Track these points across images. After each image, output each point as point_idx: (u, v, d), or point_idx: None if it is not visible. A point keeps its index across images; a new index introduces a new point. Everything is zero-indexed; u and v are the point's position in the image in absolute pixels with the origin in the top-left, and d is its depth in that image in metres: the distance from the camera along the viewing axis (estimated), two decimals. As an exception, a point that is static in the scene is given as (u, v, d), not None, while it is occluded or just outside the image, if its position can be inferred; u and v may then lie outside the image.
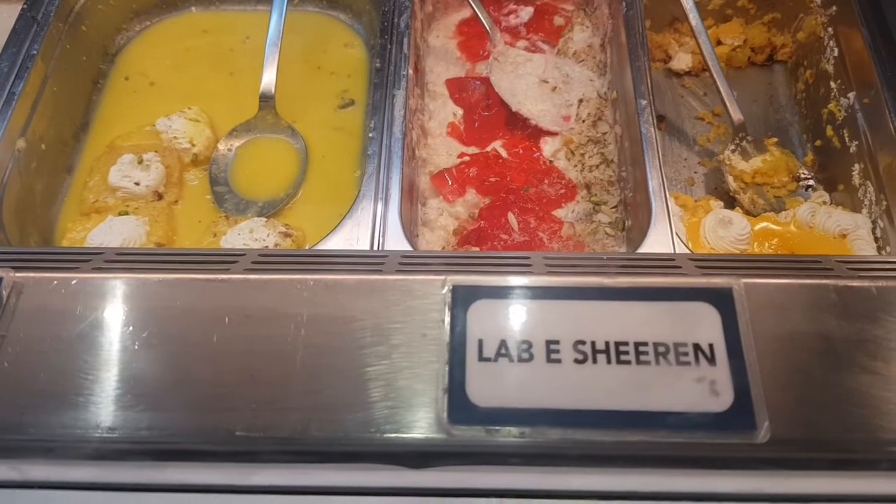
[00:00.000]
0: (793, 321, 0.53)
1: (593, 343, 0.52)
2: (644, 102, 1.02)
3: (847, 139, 1.11)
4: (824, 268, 0.64)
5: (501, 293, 0.54)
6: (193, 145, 1.14)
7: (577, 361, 0.51)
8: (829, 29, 1.18)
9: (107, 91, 1.24)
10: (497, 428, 0.49)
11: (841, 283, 0.55)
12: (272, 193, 1.11)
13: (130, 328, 0.51)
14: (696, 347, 0.51)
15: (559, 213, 1.09)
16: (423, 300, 0.54)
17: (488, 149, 1.15)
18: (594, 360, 0.51)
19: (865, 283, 0.56)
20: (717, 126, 1.24)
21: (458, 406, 0.49)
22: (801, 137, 1.22)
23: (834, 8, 1.18)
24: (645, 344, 0.52)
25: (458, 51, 1.26)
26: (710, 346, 0.51)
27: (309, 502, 0.48)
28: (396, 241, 0.92)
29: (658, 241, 0.92)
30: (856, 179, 1.08)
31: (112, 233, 1.03)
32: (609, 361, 0.51)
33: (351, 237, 0.93)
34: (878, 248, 1.01)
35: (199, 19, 1.32)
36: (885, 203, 1.02)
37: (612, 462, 0.49)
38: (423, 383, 0.50)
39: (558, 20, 1.27)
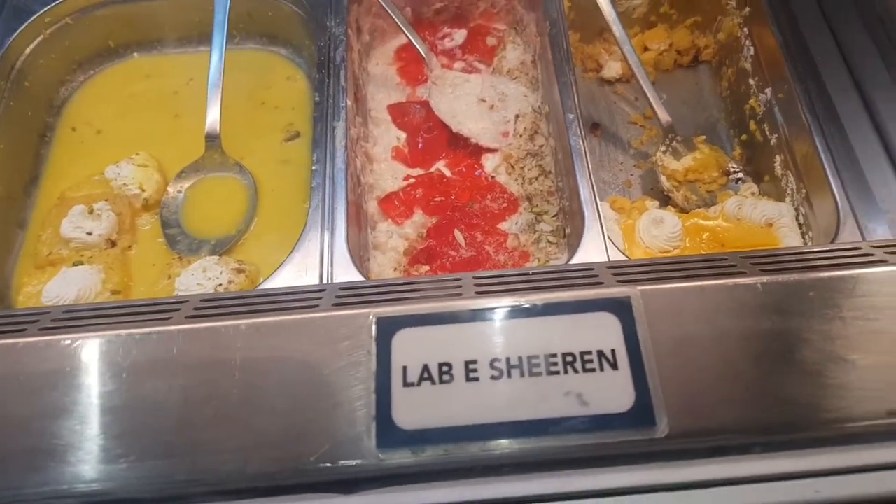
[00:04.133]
0: (688, 322, 0.57)
1: (508, 359, 0.56)
2: (571, 116, 1.07)
3: (768, 132, 1.16)
4: (729, 265, 0.69)
5: (423, 321, 0.58)
6: (143, 190, 1.17)
7: (493, 378, 0.55)
8: (745, 29, 1.24)
9: (54, 143, 1.26)
10: (422, 448, 0.53)
11: (735, 281, 0.60)
12: (224, 231, 1.14)
13: (75, 388, 0.55)
14: (601, 354, 0.56)
15: (503, 225, 1.13)
16: (351, 334, 0.57)
17: (432, 169, 1.19)
18: (509, 376, 0.55)
19: (762, 280, 0.61)
20: (650, 129, 1.29)
21: (385, 431, 0.53)
22: (729, 133, 1.28)
23: (747, 9, 1.23)
24: (554, 355, 0.56)
25: (398, 76, 1.31)
26: (613, 352, 0.56)
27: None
28: (345, 269, 0.96)
29: (592, 247, 0.97)
30: (778, 170, 1.13)
31: (67, 284, 1.06)
32: (522, 375, 0.55)
33: (300, 269, 0.97)
34: (802, 234, 1.07)
35: (141, 64, 1.35)
36: (804, 191, 1.07)
37: (527, 468, 0.54)
38: (352, 413, 0.54)
39: (491, 40, 1.31)
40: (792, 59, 1.13)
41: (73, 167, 1.24)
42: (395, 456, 0.53)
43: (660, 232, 1.07)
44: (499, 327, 0.58)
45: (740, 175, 1.22)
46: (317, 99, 1.11)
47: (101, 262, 1.11)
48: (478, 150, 1.19)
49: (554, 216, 1.13)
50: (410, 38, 1.21)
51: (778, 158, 1.14)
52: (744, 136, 1.24)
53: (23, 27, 1.23)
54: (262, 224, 1.15)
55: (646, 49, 1.36)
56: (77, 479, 0.52)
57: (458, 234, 1.10)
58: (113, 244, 1.14)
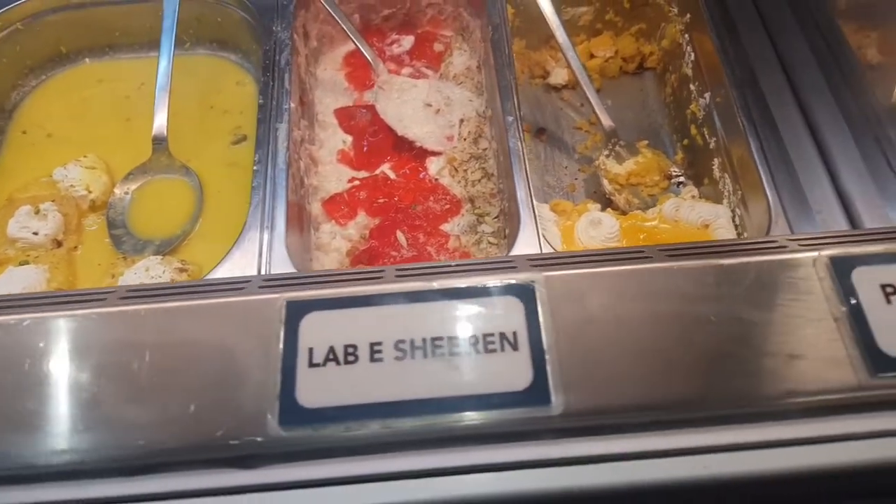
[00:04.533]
0: (590, 306, 0.59)
1: (412, 341, 0.57)
2: (511, 118, 1.09)
3: (707, 136, 1.19)
4: (642, 255, 0.70)
5: (332, 304, 0.59)
6: (90, 192, 1.18)
7: (397, 359, 0.57)
8: (686, 35, 1.27)
9: (4, 146, 1.27)
10: (323, 426, 0.54)
11: (640, 266, 0.62)
12: (169, 232, 1.15)
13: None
14: (503, 336, 0.57)
15: (446, 227, 1.15)
16: (263, 318, 0.59)
17: (377, 172, 1.21)
18: (412, 356, 0.57)
19: (665, 265, 0.63)
20: (594, 134, 1.31)
21: (288, 410, 0.54)
22: (672, 138, 1.30)
23: (688, 15, 1.26)
24: (457, 337, 0.57)
25: (346, 81, 1.32)
26: (514, 334, 0.57)
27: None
28: (283, 268, 0.97)
29: (526, 246, 0.98)
30: (716, 173, 1.16)
31: (12, 283, 1.06)
32: (426, 356, 0.57)
33: (238, 267, 0.98)
34: (738, 234, 1.09)
35: (93, 69, 1.36)
36: (740, 193, 1.09)
37: (426, 444, 0.55)
38: (258, 393, 0.55)
39: (438, 46, 1.34)
40: (730, 65, 1.16)
41: (23, 169, 1.24)
42: (297, 433, 0.54)
43: (597, 233, 1.09)
44: (406, 311, 0.59)
45: (682, 179, 1.25)
46: (261, 101, 1.13)
47: (46, 261, 1.12)
48: (422, 154, 1.21)
49: (495, 218, 1.14)
50: (357, 43, 1.23)
51: (716, 162, 1.16)
52: (685, 141, 1.27)
53: (-27, 31, 1.23)
54: (206, 225, 1.16)
55: (592, 56, 1.38)
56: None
57: (400, 236, 1.11)
58: (59, 244, 1.15)
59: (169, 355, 0.58)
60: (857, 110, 1.10)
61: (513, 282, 0.59)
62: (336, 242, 1.13)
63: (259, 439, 0.53)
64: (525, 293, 0.59)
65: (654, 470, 0.54)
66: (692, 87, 1.24)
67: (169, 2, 1.21)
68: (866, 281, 0.59)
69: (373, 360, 0.57)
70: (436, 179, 1.19)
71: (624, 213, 1.18)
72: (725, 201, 1.13)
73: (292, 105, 1.12)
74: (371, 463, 0.54)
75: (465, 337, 0.57)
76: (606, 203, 1.22)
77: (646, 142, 1.26)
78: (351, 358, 0.57)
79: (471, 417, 0.55)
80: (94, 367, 0.58)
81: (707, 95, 1.19)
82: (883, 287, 0.59)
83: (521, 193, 1.03)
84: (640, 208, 1.19)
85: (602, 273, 0.62)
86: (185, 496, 0.52)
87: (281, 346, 0.57)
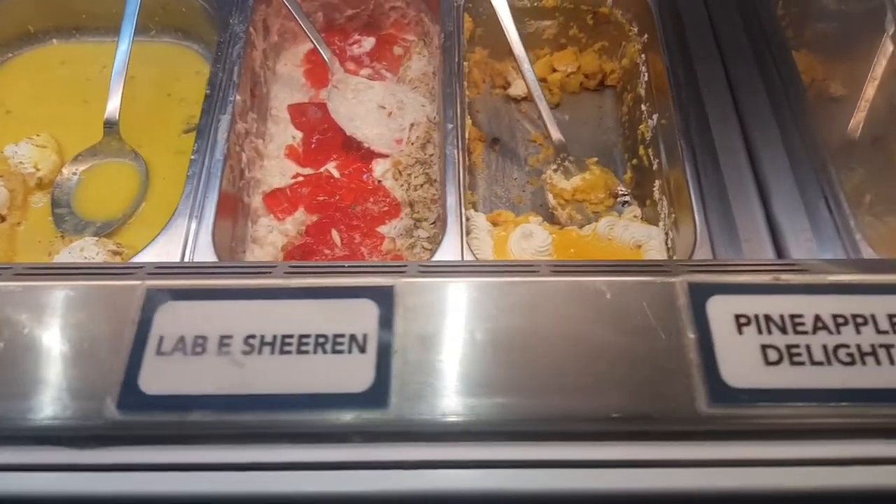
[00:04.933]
0: (446, 316, 0.59)
1: (262, 337, 0.58)
2: (451, 126, 1.10)
3: (651, 157, 1.19)
4: (532, 270, 0.71)
5: (192, 295, 0.60)
6: (38, 170, 1.20)
7: (243, 353, 0.57)
8: (643, 55, 1.27)
9: (-36, 120, 1.29)
10: (161, 413, 0.55)
11: (512, 279, 0.62)
12: (111, 214, 1.16)
13: None
14: (353, 338, 0.58)
15: (382, 229, 1.15)
16: (123, 304, 0.60)
17: (322, 170, 1.21)
18: (259, 352, 0.57)
19: (533, 279, 0.63)
20: (547, 148, 1.31)
21: (127, 395, 0.55)
22: (623, 157, 1.30)
23: (646, 35, 1.26)
24: (308, 336, 0.58)
25: (304, 78, 1.33)
26: (365, 336, 0.58)
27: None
28: (206, 258, 0.98)
29: (449, 254, 0.98)
30: (656, 194, 1.16)
31: (-51, 253, 1.08)
32: (273, 352, 0.57)
33: (161, 253, 0.99)
34: (669, 257, 1.09)
35: (59, 51, 1.38)
36: (673, 216, 1.09)
37: (261, 438, 0.55)
38: (104, 376, 0.56)
39: (398, 50, 1.34)
40: (677, 87, 1.16)
41: (-20, 144, 1.26)
42: (134, 418, 0.55)
43: (529, 245, 1.09)
44: (262, 307, 0.60)
45: (627, 198, 1.25)
46: (208, 92, 1.14)
47: (-13, 235, 1.13)
48: (369, 155, 1.22)
49: (432, 223, 1.15)
50: (314, 41, 1.24)
51: (657, 183, 1.16)
52: (634, 161, 1.27)
53: (-61, 5, 1.25)
54: (148, 210, 1.17)
55: (554, 70, 1.39)
56: None
57: (335, 234, 1.12)
58: (3, 219, 1.16)
59: (29, 333, 0.59)
60: (800, 143, 1.09)
61: (370, 285, 0.60)
62: (272, 237, 1.14)
63: (96, 421, 0.54)
64: (382, 297, 0.59)
65: (476, 479, 0.54)
66: (643, 107, 1.24)
67: (133, -12, 1.22)
68: (721, 310, 0.59)
69: (220, 353, 0.57)
70: (379, 181, 1.20)
71: (563, 228, 1.18)
72: (661, 223, 1.13)
73: (238, 98, 1.13)
74: (204, 453, 0.54)
75: (315, 336, 0.58)
76: (550, 217, 1.22)
77: (595, 159, 1.26)
78: (199, 349, 0.57)
79: (306, 416, 0.55)
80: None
81: (655, 117, 1.19)
82: (737, 317, 0.59)
83: (451, 200, 1.03)
84: (582, 224, 1.19)
85: (470, 283, 0.62)
86: (22, 469, 0.53)
87: (134, 332, 0.57)
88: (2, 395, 0.56)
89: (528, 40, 1.36)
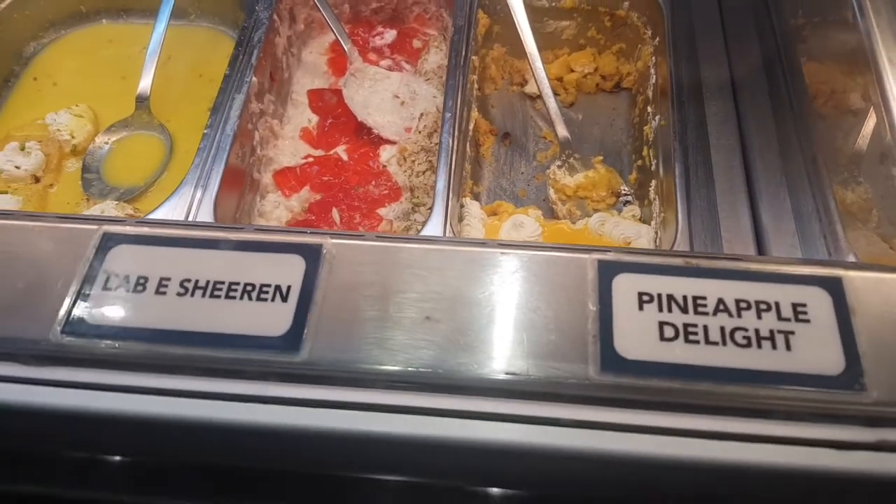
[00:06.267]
0: (365, 274, 0.64)
1: (196, 281, 0.64)
2: (449, 115, 1.14)
3: (652, 158, 1.20)
4: (476, 244, 0.74)
5: (141, 241, 0.66)
6: (73, 137, 1.29)
7: (178, 294, 0.63)
8: (654, 58, 1.28)
9: (15, 89, 1.40)
10: (99, 340, 0.61)
11: (435, 247, 0.66)
12: (134, 182, 1.25)
13: None
14: (277, 288, 0.63)
15: (382, 211, 1.20)
16: (82, 243, 0.66)
17: (332, 152, 1.27)
18: (192, 294, 0.63)
19: (460, 248, 0.66)
20: (557, 144, 1.34)
21: (73, 322, 0.62)
22: (631, 158, 1.32)
23: (657, 39, 1.28)
24: (237, 283, 0.63)
25: (326, 66, 1.40)
26: (289, 288, 0.63)
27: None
28: (206, 223, 1.05)
29: (432, 232, 1.03)
30: (651, 194, 1.17)
31: (-13, 207, 1.18)
32: (204, 296, 0.63)
33: (167, 216, 1.06)
34: (654, 256, 1.10)
35: (107, 30, 1.48)
36: (662, 214, 1.11)
37: (184, 371, 0.61)
38: (52, 305, 0.63)
39: (417, 43, 1.39)
40: (679, 89, 1.17)
41: (26, 111, 1.37)
42: (75, 342, 0.61)
43: (518, 235, 1.12)
44: (201, 255, 0.66)
45: (629, 198, 1.26)
46: (227, 72, 1.21)
47: (23, 194, 1.24)
48: (378, 141, 1.27)
49: (429, 208, 1.19)
50: (334, 31, 1.30)
51: (653, 183, 1.18)
52: (639, 162, 1.28)
53: (1, -18, 1.36)
54: (168, 180, 1.25)
55: (571, 70, 1.41)
56: None
57: (335, 213, 1.18)
58: (37, 180, 1.26)
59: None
60: (798, 150, 1.09)
61: (302, 242, 0.65)
62: (278, 212, 1.20)
63: (44, 344, 0.61)
64: (311, 253, 0.64)
65: (367, 421, 0.58)
66: (650, 109, 1.26)
67: (173, -26, 1.31)
68: (626, 287, 0.61)
69: (157, 292, 0.63)
70: (384, 166, 1.25)
71: (557, 221, 1.20)
72: (653, 222, 1.15)
73: (255, 79, 1.20)
74: (132, 377, 0.60)
75: (244, 284, 0.63)
76: (550, 211, 1.25)
77: (601, 158, 1.28)
78: (140, 288, 0.63)
79: (225, 353, 0.60)
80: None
81: (657, 118, 1.21)
82: (640, 294, 0.61)
83: (441, 184, 1.07)
84: (577, 220, 1.21)
85: (398, 248, 0.66)
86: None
87: (86, 268, 0.64)
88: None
89: (547, 40, 1.40)
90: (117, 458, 0.71)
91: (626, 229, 1.13)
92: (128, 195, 1.23)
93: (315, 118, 1.32)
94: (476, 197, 1.25)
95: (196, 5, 1.43)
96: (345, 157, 1.26)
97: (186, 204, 1.07)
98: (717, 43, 1.24)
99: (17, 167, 1.25)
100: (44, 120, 1.32)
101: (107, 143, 1.30)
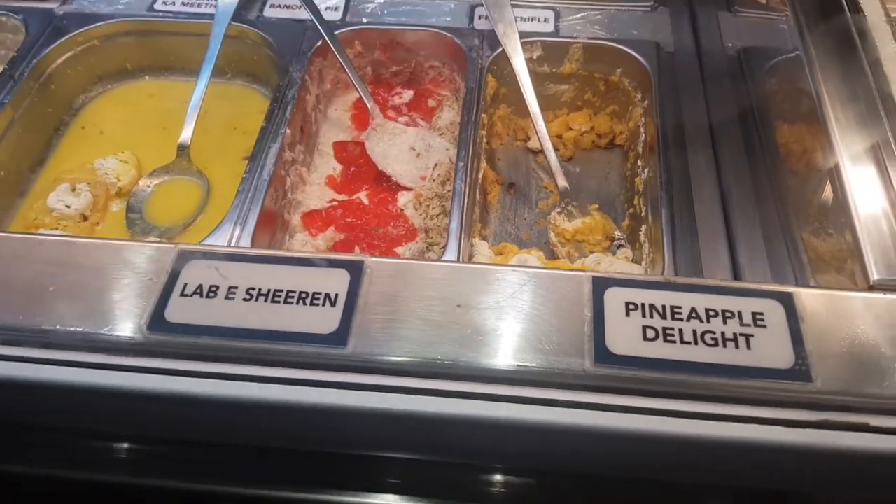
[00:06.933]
0: (403, 285, 0.77)
1: (260, 289, 0.77)
2: (462, 164, 1.28)
3: (642, 206, 1.35)
4: (487, 265, 0.87)
5: (209, 257, 0.79)
6: (119, 181, 1.43)
7: (244, 300, 0.76)
8: (643, 119, 1.44)
9: (64, 136, 1.55)
10: (180, 336, 0.73)
11: (457, 265, 0.79)
12: (174, 222, 1.38)
13: None
14: (327, 296, 0.76)
15: (399, 249, 1.34)
16: (156, 261, 0.79)
17: (354, 197, 1.41)
18: (256, 300, 0.76)
19: (483, 267, 0.80)
20: (557, 194, 1.48)
21: (156, 321, 0.74)
22: (623, 206, 1.46)
23: (646, 102, 1.44)
24: (294, 291, 0.76)
25: (350, 121, 1.55)
26: (336, 295, 0.76)
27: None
28: (244, 256, 1.18)
29: (445, 268, 1.16)
30: (641, 238, 1.31)
31: (39, 241, 1.31)
32: (266, 301, 0.76)
33: (209, 250, 1.19)
34: (644, 292, 1.23)
35: (149, 86, 1.64)
36: (651, 256, 1.24)
37: (248, 361, 0.73)
38: (138, 307, 0.75)
39: (432, 102, 1.55)
40: (665, 145, 1.31)
41: (74, 156, 1.51)
42: (160, 338, 0.74)
43: (521, 271, 1.26)
44: (263, 269, 0.79)
45: (622, 242, 1.40)
46: (264, 124, 1.36)
47: (71, 230, 1.37)
48: (396, 187, 1.41)
49: (442, 247, 1.32)
50: (359, 90, 1.45)
51: (644, 228, 1.32)
52: (631, 210, 1.42)
53: (59, 42, 1.52)
54: (206, 220, 1.38)
55: (569, 128, 1.57)
56: None
57: (357, 250, 1.31)
58: (85, 218, 1.39)
59: (91, 277, 0.79)
60: (771, 199, 1.23)
61: (347, 259, 0.78)
62: (306, 249, 1.33)
63: (133, 338, 0.73)
64: (354, 268, 0.77)
65: (404, 402, 0.71)
66: (640, 162, 1.40)
67: (214, 39, 1.47)
68: (615, 298, 0.75)
69: (227, 298, 0.76)
70: (401, 210, 1.39)
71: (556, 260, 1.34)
72: (643, 263, 1.28)
73: (288, 131, 1.35)
74: (207, 366, 0.73)
75: (299, 292, 0.76)
76: (550, 253, 1.38)
77: (597, 206, 1.42)
78: (212, 294, 0.76)
79: (285, 346, 0.73)
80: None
81: (646, 171, 1.35)
82: (627, 304, 0.74)
83: (454, 225, 1.21)
84: (576, 261, 1.34)
85: (426, 266, 0.79)
86: (79, 366, 0.73)
87: (166, 279, 0.77)
88: (71, 319, 0.75)
89: (548, 101, 1.55)
90: (186, 437, 0.82)
91: (619, 269, 1.27)
92: (168, 234, 1.36)
93: (339, 167, 1.46)
94: (484, 239, 1.38)
95: (232, 66, 1.59)
96: (366, 201, 1.40)
97: (226, 239, 1.20)
98: (699, 105, 1.39)
99: (67, 206, 1.38)
100: (92, 164, 1.46)
101: (149, 186, 1.44)
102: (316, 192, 1.42)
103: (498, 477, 0.83)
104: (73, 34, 1.54)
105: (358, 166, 1.45)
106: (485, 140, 1.46)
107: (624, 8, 1.57)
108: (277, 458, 0.86)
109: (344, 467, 0.86)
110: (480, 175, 1.39)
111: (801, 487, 0.74)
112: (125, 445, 0.89)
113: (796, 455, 0.68)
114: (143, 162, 1.49)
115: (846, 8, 1.17)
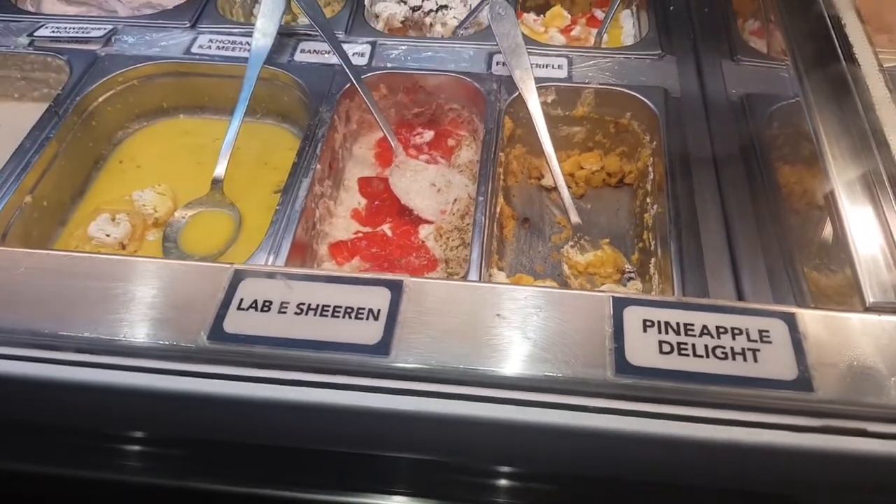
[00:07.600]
0: (436, 303, 0.84)
1: (309, 304, 0.84)
2: (482, 199, 1.37)
3: (651, 241, 1.43)
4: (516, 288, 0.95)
5: (262, 275, 0.87)
6: (156, 211, 1.51)
7: (295, 314, 0.83)
8: (651, 159, 1.53)
9: (104, 169, 1.63)
10: (237, 344, 0.81)
11: (484, 285, 0.87)
12: (208, 251, 1.46)
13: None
14: (370, 311, 0.83)
15: (421, 279, 1.41)
16: (216, 278, 0.87)
17: (378, 229, 1.50)
18: (306, 314, 0.83)
19: (508, 287, 0.88)
20: (570, 229, 1.56)
21: (216, 331, 0.82)
22: (633, 241, 1.54)
23: (654, 143, 1.53)
24: (340, 307, 0.84)
25: (374, 159, 1.64)
26: (379, 310, 0.83)
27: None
28: (278, 282, 1.26)
29: (467, 295, 1.23)
30: (651, 270, 1.39)
31: (81, 267, 1.39)
32: (315, 315, 0.83)
33: (245, 276, 1.27)
34: (654, 320, 1.30)
35: (184, 123, 1.73)
36: (661, 286, 1.32)
37: (300, 369, 0.80)
38: (198, 320, 0.83)
39: (451, 142, 1.64)
40: (672, 183, 1.40)
41: (113, 188, 1.60)
42: (220, 347, 0.81)
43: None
44: (313, 286, 0.86)
45: (633, 275, 1.48)
46: (295, 160, 1.45)
47: (111, 258, 1.45)
48: (418, 220, 1.50)
49: (461, 277, 1.40)
50: (384, 130, 1.55)
51: (653, 261, 1.40)
52: (640, 244, 1.50)
53: (100, 81, 1.62)
54: (237, 250, 1.46)
55: (581, 168, 1.65)
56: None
57: (382, 279, 1.38)
58: (123, 247, 1.47)
59: (156, 293, 0.87)
60: (773, 234, 1.31)
61: (387, 279, 0.86)
62: (333, 278, 1.41)
63: (195, 346, 0.81)
64: (394, 287, 0.85)
65: (441, 406, 0.78)
66: (649, 199, 1.49)
67: (248, 81, 1.57)
68: (634, 316, 0.82)
69: (279, 312, 0.84)
70: (422, 241, 1.47)
71: (571, 292, 1.41)
72: (654, 293, 1.36)
73: (318, 167, 1.44)
74: (261, 372, 0.80)
75: (345, 307, 0.84)
76: (564, 284, 1.46)
77: (608, 240, 1.50)
78: (265, 308, 0.84)
79: (333, 355, 0.80)
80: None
81: (655, 207, 1.44)
82: (644, 321, 0.82)
83: (475, 255, 1.29)
84: (588, 291, 1.42)
85: (460, 286, 0.87)
86: (146, 371, 0.80)
87: (223, 295, 0.85)
88: (138, 329, 0.83)
89: (561, 142, 1.65)
90: (236, 440, 0.89)
91: (630, 298, 1.34)
92: (201, 262, 1.43)
93: (364, 201, 1.55)
94: (501, 269, 1.46)
95: (263, 106, 1.69)
96: (389, 233, 1.49)
97: (261, 266, 1.28)
98: (704, 145, 1.47)
99: (107, 235, 1.46)
100: (130, 196, 1.55)
101: (184, 217, 1.52)
102: (342, 224, 1.50)
103: (518, 483, 0.90)
104: (113, 74, 1.64)
105: (381, 200, 1.53)
106: (502, 177, 1.55)
107: (633, 56, 1.67)
108: (313, 459, 0.92)
109: (384, 469, 0.92)
110: (498, 210, 1.47)
111: (803, 489, 0.81)
112: (174, 451, 0.95)
113: (799, 457, 0.75)
114: (178, 194, 1.57)
115: (842, 58, 1.26)
